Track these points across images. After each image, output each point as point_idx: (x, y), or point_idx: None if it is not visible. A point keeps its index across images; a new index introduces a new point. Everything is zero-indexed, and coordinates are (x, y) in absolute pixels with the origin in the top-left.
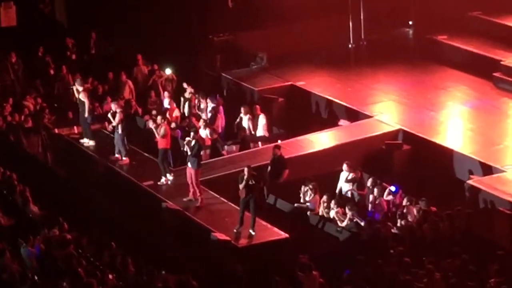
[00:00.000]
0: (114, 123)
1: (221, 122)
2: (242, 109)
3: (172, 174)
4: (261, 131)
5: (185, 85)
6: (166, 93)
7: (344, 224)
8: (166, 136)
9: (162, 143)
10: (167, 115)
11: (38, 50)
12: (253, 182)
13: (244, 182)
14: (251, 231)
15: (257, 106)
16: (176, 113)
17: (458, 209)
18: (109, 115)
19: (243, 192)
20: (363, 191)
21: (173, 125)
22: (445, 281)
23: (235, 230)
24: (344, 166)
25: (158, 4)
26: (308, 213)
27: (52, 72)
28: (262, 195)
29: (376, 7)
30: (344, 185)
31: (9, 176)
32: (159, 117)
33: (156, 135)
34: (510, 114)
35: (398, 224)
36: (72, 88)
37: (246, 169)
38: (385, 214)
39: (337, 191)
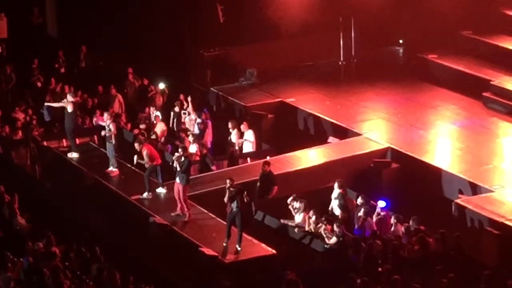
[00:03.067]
0: (107, 133)
1: (209, 136)
2: (230, 124)
3: (165, 188)
4: (249, 147)
5: (181, 97)
6: (152, 108)
7: (331, 241)
8: (151, 156)
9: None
10: (155, 130)
11: (31, 62)
12: (236, 192)
13: (227, 194)
14: (237, 246)
15: (245, 122)
16: (162, 127)
17: (457, 235)
18: (106, 125)
19: (229, 205)
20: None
21: (162, 139)
22: None
23: (224, 244)
24: (336, 184)
25: (149, 18)
26: (296, 229)
27: (39, 84)
28: (249, 210)
29: (367, 25)
30: (334, 203)
31: None
32: (136, 144)
33: (145, 163)
34: (499, 134)
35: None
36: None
37: (228, 181)
38: (374, 232)
39: (329, 208)
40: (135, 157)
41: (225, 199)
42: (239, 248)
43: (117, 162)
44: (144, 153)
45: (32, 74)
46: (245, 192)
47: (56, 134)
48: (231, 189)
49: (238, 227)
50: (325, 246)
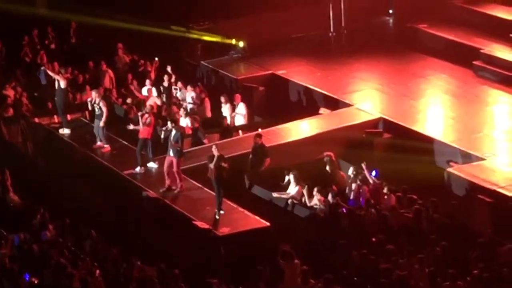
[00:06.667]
0: (97, 112)
1: (208, 113)
2: (222, 98)
3: (156, 163)
4: (241, 120)
5: (166, 76)
6: (147, 81)
7: (322, 208)
8: (149, 126)
9: (143, 133)
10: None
11: (21, 38)
12: (223, 162)
13: (214, 161)
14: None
15: (238, 95)
16: (155, 101)
17: (453, 203)
18: (88, 102)
19: (213, 172)
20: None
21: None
22: (426, 269)
23: (217, 217)
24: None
25: None
26: (289, 201)
27: (28, 60)
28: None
29: None
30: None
31: None
32: (148, 105)
33: (140, 123)
34: (490, 102)
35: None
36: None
37: (214, 148)
38: (367, 201)
39: None
40: (130, 125)
41: (212, 165)
42: (222, 212)
43: (108, 138)
44: (148, 119)
45: (21, 50)
46: (225, 159)
47: (48, 111)
48: (218, 154)
49: (221, 192)
50: (312, 211)
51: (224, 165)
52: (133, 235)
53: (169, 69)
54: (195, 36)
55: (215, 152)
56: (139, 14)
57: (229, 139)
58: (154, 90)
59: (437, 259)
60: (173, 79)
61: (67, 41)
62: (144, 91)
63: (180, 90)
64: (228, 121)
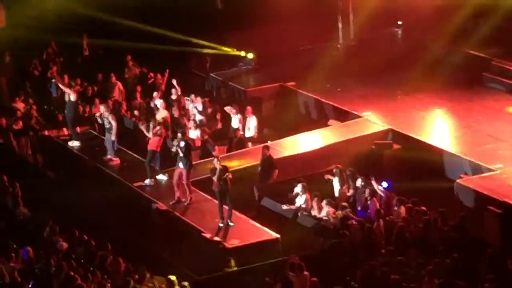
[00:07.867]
0: (107, 125)
1: (219, 125)
2: (233, 109)
3: (166, 175)
4: (251, 132)
5: (174, 88)
6: (155, 94)
7: (331, 221)
8: (160, 137)
9: (152, 144)
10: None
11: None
12: (226, 174)
13: (217, 174)
14: (229, 222)
15: (249, 107)
16: (166, 114)
17: (463, 215)
18: (97, 118)
19: (217, 184)
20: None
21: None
22: (436, 281)
23: (220, 224)
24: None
25: (148, 5)
26: (299, 213)
27: (37, 73)
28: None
29: (365, 7)
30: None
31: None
32: (161, 118)
33: (151, 133)
34: (500, 114)
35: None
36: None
37: (216, 161)
38: (378, 212)
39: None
40: (142, 126)
41: (215, 178)
42: (231, 224)
43: (118, 152)
44: (159, 131)
45: (30, 63)
46: (229, 170)
47: (57, 123)
48: (220, 167)
49: (228, 204)
50: (322, 223)
51: (227, 176)
52: (143, 247)
53: (174, 82)
54: (204, 48)
55: (216, 165)
56: (149, 26)
57: (238, 151)
58: (161, 102)
59: (447, 271)
60: (179, 92)
61: (80, 54)
62: (157, 103)
63: (192, 102)
64: (238, 133)
